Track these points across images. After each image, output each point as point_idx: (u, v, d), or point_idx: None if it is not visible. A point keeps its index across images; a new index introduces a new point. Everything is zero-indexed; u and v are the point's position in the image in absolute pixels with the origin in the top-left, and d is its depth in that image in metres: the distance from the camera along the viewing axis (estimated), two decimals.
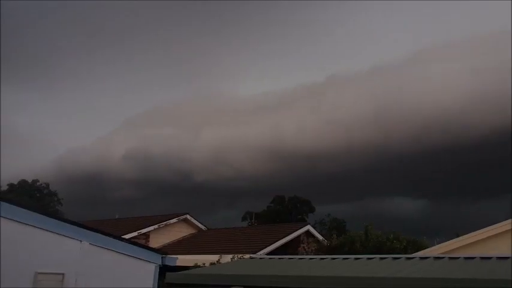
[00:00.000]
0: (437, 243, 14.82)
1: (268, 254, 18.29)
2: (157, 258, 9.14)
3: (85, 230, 8.69)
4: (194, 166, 46.34)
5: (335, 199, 46.79)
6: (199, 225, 26.39)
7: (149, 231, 23.98)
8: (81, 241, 8.50)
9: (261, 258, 11.21)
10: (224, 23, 51.49)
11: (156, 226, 24.39)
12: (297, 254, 17.91)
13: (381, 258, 9.42)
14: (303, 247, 20.24)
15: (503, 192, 40.81)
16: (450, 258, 8.98)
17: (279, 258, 10.58)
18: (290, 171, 46.92)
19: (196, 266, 14.52)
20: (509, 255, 8.27)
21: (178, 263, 10.05)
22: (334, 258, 9.84)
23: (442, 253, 12.55)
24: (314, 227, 24.37)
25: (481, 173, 43.03)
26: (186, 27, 49.66)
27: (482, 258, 8.49)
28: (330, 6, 49.46)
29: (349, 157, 44.12)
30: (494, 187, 42.09)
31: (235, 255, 16.52)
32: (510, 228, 12.51)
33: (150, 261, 8.92)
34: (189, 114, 51.85)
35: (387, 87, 43.17)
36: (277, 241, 20.51)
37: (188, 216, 26.04)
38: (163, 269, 9.37)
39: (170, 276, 8.35)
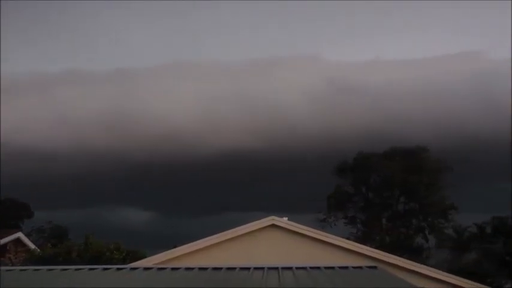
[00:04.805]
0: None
1: None
2: None
3: None
4: None
5: (61, 205, 43.53)
6: None
7: None
8: None
9: None
10: None
11: None
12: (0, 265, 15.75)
13: (90, 269, 9.04)
14: (9, 257, 17.95)
15: (223, 211, 45.44)
16: (159, 269, 9.23)
17: None
18: (9, 169, 41.47)
19: None
20: (210, 266, 8.96)
21: None
22: (37, 270, 8.95)
23: (158, 263, 12.96)
24: (29, 235, 22.04)
25: (206, 191, 47.02)
26: None
27: (186, 268, 9.00)
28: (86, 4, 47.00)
29: (81, 160, 41.83)
30: (217, 205, 46.38)
31: None
32: (212, 243, 13.78)
33: None
34: None
35: (130, 93, 43.12)
36: None
37: None
38: None
39: None
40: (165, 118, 41.99)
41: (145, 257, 16.70)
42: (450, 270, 17.82)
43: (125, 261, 17.21)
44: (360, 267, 8.18)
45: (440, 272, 13.82)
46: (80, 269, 9.12)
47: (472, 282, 13.39)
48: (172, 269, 9.11)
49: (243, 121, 42.55)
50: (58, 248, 17.52)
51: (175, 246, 15.90)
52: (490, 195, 39.85)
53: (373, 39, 52.93)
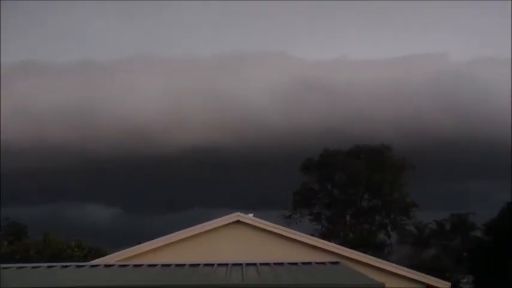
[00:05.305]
0: None
1: None
2: None
3: None
4: None
5: (20, 201, 41.99)
6: None
7: None
8: None
9: None
10: None
11: None
12: None
13: (48, 267, 8.78)
14: None
15: (189, 207, 44.98)
16: (120, 266, 9.07)
17: None
18: None
19: None
20: (173, 263, 8.85)
21: None
22: None
23: (120, 260, 12.70)
24: None
25: (174, 187, 46.46)
26: None
27: (149, 265, 8.87)
28: None
29: (41, 154, 40.37)
30: (183, 201, 45.85)
31: None
32: (177, 240, 13.61)
33: None
34: None
35: (93, 86, 41.96)
36: None
37: None
38: None
39: None
40: (130, 112, 41.23)
41: (108, 254, 16.37)
42: (411, 266, 18.26)
43: (86, 258, 16.83)
44: (323, 263, 8.26)
45: (401, 267, 14.11)
46: (37, 266, 8.85)
47: (431, 277, 13.73)
48: (135, 265, 8.96)
49: (210, 117, 42.28)
50: (15, 246, 16.92)
51: (139, 243, 15.64)
52: (449, 193, 41.14)
53: (339, 38, 53.60)
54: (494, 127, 38.00)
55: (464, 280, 30.42)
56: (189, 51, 55.78)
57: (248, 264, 8.39)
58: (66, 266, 8.83)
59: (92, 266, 9.13)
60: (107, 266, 9.06)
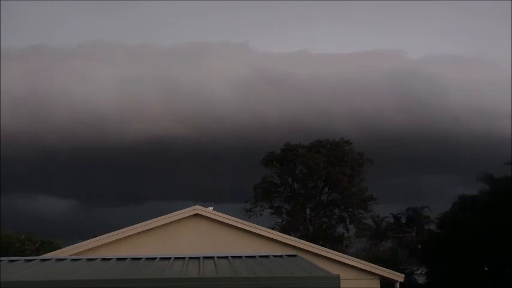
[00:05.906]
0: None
1: None
2: None
3: None
4: None
5: None
6: None
7: None
8: None
9: None
10: None
11: None
12: None
13: None
14: None
15: (147, 200, 44.35)
16: (73, 260, 8.76)
17: None
18: None
19: None
20: (128, 257, 8.62)
21: None
22: None
23: (74, 254, 12.32)
24: None
25: (131, 179, 45.59)
26: None
27: (103, 259, 8.61)
28: None
29: None
30: (141, 193, 45.09)
31: None
32: (134, 233, 13.31)
33: None
34: None
35: (45, 73, 40.69)
36: None
37: None
38: None
39: None
40: (86, 101, 40.12)
41: (61, 248, 15.87)
42: (368, 258, 18.63)
43: (38, 252, 16.23)
44: (280, 256, 8.25)
45: (357, 259, 14.36)
46: None
47: (386, 269, 14.04)
48: (88, 259, 8.67)
49: (168, 108, 41.78)
50: None
51: (95, 236, 15.24)
52: (406, 187, 42.39)
53: (301, 32, 54.03)
54: (449, 123, 39.29)
55: (418, 272, 31.40)
56: (149, 40, 54.82)
57: (206, 258, 8.28)
58: (13, 261, 8.44)
59: (42, 260, 8.75)
60: (58, 260, 8.71)
